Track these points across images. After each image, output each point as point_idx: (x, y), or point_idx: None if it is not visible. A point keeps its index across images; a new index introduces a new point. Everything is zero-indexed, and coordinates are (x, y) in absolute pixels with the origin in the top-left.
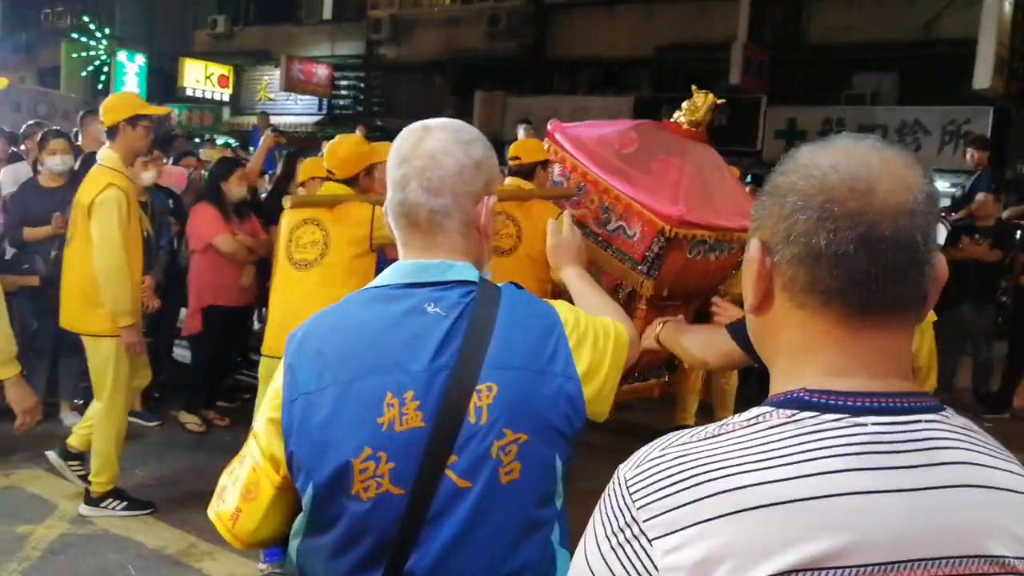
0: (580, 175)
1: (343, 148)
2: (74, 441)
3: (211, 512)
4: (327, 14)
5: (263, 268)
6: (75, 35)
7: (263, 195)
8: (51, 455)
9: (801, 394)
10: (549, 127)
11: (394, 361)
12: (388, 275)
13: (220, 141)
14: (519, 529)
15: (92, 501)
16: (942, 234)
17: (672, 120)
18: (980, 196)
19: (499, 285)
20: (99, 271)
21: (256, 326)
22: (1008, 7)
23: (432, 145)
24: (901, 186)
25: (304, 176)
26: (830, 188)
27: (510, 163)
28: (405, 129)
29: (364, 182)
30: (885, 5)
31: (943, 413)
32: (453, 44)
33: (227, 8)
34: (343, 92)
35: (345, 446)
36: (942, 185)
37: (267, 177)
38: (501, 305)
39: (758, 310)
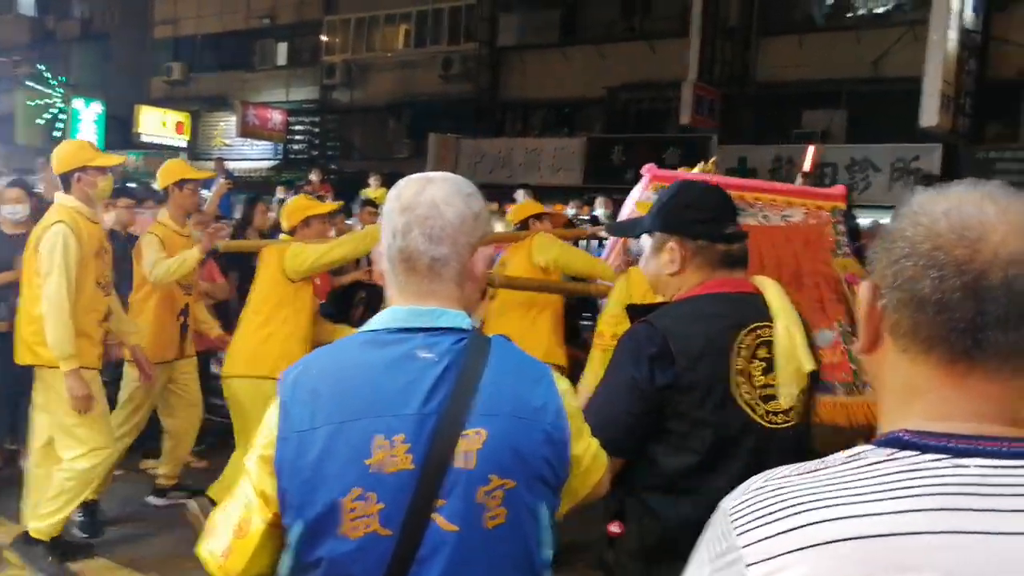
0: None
1: (289, 205)
2: None
3: (203, 549)
4: (281, 60)
5: (223, 312)
6: (30, 83)
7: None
8: None
9: (901, 434)
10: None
11: (386, 404)
12: (383, 319)
13: None
14: None
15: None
16: None
17: None
18: None
19: (490, 336)
20: None
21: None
22: (952, 45)
23: (435, 195)
24: (1016, 235)
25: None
26: (937, 235)
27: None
28: (404, 179)
29: (301, 232)
30: (833, 43)
31: None
32: (407, 88)
33: (183, 55)
34: (298, 137)
35: (335, 485)
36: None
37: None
38: (491, 354)
39: (868, 350)
